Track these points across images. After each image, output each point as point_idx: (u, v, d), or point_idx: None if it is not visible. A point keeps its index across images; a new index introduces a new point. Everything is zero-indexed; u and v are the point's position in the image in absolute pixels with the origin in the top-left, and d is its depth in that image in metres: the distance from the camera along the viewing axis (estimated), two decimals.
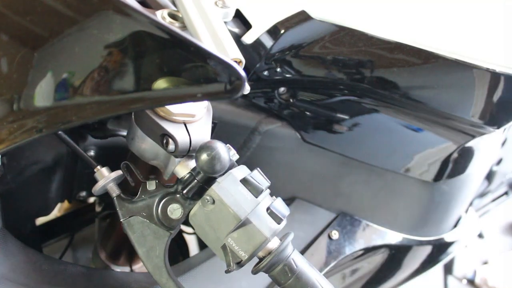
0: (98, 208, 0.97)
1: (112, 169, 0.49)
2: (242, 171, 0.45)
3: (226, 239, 0.43)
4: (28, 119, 0.37)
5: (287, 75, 0.62)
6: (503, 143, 1.14)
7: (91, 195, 0.80)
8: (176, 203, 0.46)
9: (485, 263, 2.20)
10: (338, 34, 0.60)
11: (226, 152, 0.42)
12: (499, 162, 1.27)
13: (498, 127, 0.79)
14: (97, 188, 0.48)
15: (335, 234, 0.85)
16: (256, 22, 0.58)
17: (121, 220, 0.46)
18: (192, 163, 0.47)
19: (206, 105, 0.50)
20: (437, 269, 1.16)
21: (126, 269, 0.84)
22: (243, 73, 0.33)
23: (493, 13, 0.78)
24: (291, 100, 0.66)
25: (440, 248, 1.04)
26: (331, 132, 0.72)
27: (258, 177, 0.44)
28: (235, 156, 0.45)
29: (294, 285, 0.44)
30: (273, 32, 0.57)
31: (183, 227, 1.00)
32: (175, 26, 0.47)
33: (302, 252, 0.80)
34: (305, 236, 0.83)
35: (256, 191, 0.43)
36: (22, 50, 0.37)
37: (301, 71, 0.62)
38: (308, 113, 0.68)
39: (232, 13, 0.55)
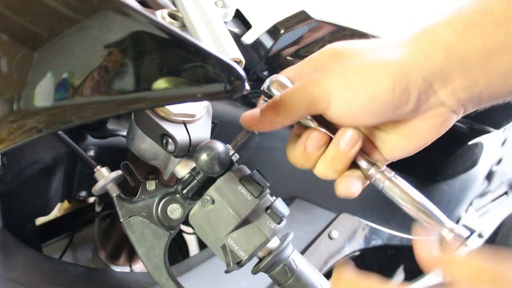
0: (98, 208, 0.97)
1: (112, 169, 0.49)
2: (242, 171, 0.45)
3: (226, 239, 0.43)
4: (28, 119, 0.37)
5: None
6: (503, 143, 1.14)
7: (91, 195, 0.80)
8: (176, 203, 0.46)
9: None
10: (338, 34, 0.60)
11: (225, 152, 0.43)
12: (499, 162, 1.28)
13: (498, 127, 0.79)
14: (97, 188, 0.48)
15: (335, 234, 0.85)
16: (256, 22, 0.58)
17: (121, 220, 0.46)
18: (192, 163, 0.47)
19: (206, 105, 0.50)
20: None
21: (126, 269, 0.84)
22: (243, 73, 0.33)
23: None
24: None
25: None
26: None
27: (258, 177, 0.44)
28: (235, 156, 0.46)
29: (294, 285, 0.44)
30: (273, 32, 0.57)
31: (183, 227, 1.00)
32: (175, 26, 0.47)
33: (302, 252, 0.81)
34: (305, 236, 0.83)
35: (256, 191, 0.43)
36: (22, 50, 0.37)
37: None
38: None
39: (232, 13, 0.55)
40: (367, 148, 0.42)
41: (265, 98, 0.44)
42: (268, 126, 0.41)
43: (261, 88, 0.44)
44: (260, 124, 0.41)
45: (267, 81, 0.43)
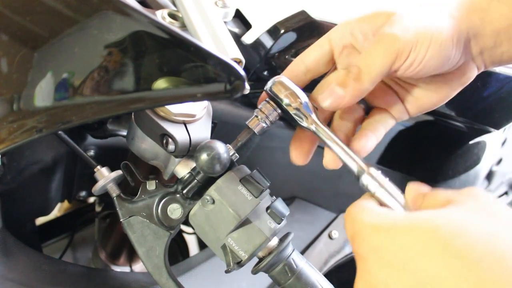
0: (98, 208, 0.97)
1: (112, 169, 0.49)
2: (242, 171, 0.45)
3: (226, 239, 0.43)
4: (28, 119, 0.37)
5: None
6: (503, 143, 1.14)
7: (91, 195, 0.80)
8: (176, 203, 0.46)
9: None
10: None
11: (226, 152, 0.43)
12: (499, 162, 1.27)
13: (498, 127, 0.79)
14: (97, 188, 0.48)
15: (335, 234, 0.85)
16: (256, 22, 0.58)
17: (121, 220, 0.46)
18: (192, 163, 0.47)
19: (206, 105, 0.50)
20: None
21: (126, 269, 0.84)
22: (243, 73, 0.33)
23: None
24: None
25: None
26: None
27: (258, 177, 0.44)
28: (235, 156, 0.46)
29: (294, 285, 0.44)
30: (273, 32, 0.57)
31: (183, 227, 1.00)
32: (175, 26, 0.47)
33: (302, 252, 0.81)
34: (305, 236, 0.83)
35: (256, 191, 0.43)
36: (22, 50, 0.37)
37: None
38: None
39: (232, 13, 0.55)
40: (393, 105, 0.47)
41: (267, 99, 0.44)
42: (356, 96, 0.41)
43: (264, 89, 0.44)
44: (348, 95, 0.41)
45: (270, 82, 0.43)
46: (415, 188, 0.38)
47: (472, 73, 0.44)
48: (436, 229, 0.29)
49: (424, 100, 0.46)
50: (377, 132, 0.46)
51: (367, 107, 0.48)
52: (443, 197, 0.33)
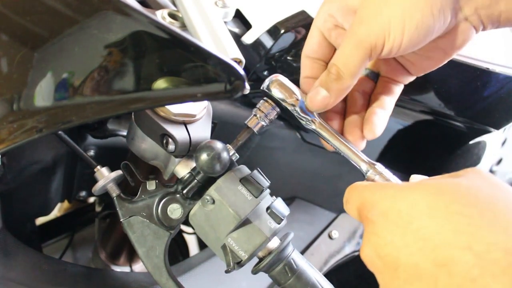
0: (98, 208, 0.97)
1: (112, 169, 0.49)
2: (242, 171, 0.45)
3: (226, 239, 0.43)
4: (28, 119, 0.37)
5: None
6: (503, 143, 1.14)
7: (91, 195, 0.80)
8: (176, 203, 0.46)
9: None
10: None
11: (226, 152, 0.43)
12: (499, 162, 1.27)
13: (498, 127, 0.79)
14: (97, 188, 0.48)
15: (335, 234, 0.85)
16: (256, 22, 0.58)
17: (121, 220, 0.46)
18: (192, 163, 0.47)
19: (206, 105, 0.50)
20: None
21: (126, 269, 0.84)
22: (243, 73, 0.34)
23: None
24: None
25: None
26: None
27: (258, 177, 0.44)
28: (235, 156, 0.46)
29: (294, 285, 0.44)
30: (273, 32, 0.57)
31: (183, 227, 1.00)
32: (175, 26, 0.47)
33: (302, 252, 0.81)
34: (305, 236, 0.83)
35: (256, 191, 0.43)
36: (22, 50, 0.37)
37: None
38: None
39: (232, 13, 0.55)
40: (396, 71, 0.47)
41: (265, 98, 0.44)
42: (341, 93, 0.42)
43: (261, 88, 0.44)
44: (333, 95, 0.42)
45: (267, 81, 0.44)
46: (419, 176, 0.40)
47: (468, 34, 0.42)
48: (440, 191, 0.31)
49: (420, 65, 0.46)
50: (386, 106, 0.47)
51: (374, 75, 0.48)
52: (447, 175, 0.35)
